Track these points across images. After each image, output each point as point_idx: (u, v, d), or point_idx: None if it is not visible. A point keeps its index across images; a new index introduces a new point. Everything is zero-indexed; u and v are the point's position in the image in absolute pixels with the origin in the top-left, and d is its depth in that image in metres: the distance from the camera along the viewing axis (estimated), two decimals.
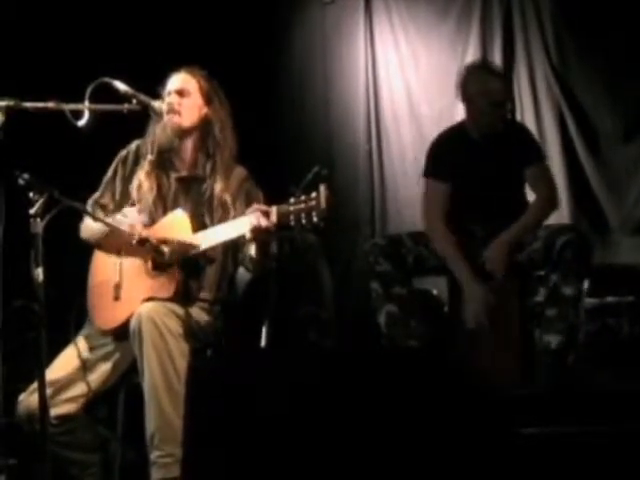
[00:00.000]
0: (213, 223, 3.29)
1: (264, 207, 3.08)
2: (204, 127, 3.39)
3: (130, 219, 3.24)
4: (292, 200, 3.04)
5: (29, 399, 3.09)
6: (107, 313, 3.26)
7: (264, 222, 3.04)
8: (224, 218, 3.30)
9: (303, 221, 3.00)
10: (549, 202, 3.97)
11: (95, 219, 3.30)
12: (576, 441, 2.94)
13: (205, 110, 3.38)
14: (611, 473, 2.82)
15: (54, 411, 3.10)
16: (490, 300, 3.75)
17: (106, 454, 3.33)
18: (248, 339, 3.50)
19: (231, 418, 2.51)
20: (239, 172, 3.42)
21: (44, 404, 2.78)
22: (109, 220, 3.26)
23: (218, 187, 3.34)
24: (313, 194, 3.01)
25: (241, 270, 3.45)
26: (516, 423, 2.92)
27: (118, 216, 3.27)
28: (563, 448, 2.92)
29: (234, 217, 3.29)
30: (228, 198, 3.33)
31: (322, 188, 3.00)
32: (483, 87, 3.87)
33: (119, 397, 3.28)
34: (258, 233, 3.07)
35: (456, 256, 3.84)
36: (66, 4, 4.96)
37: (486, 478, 2.46)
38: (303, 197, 3.02)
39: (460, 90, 3.95)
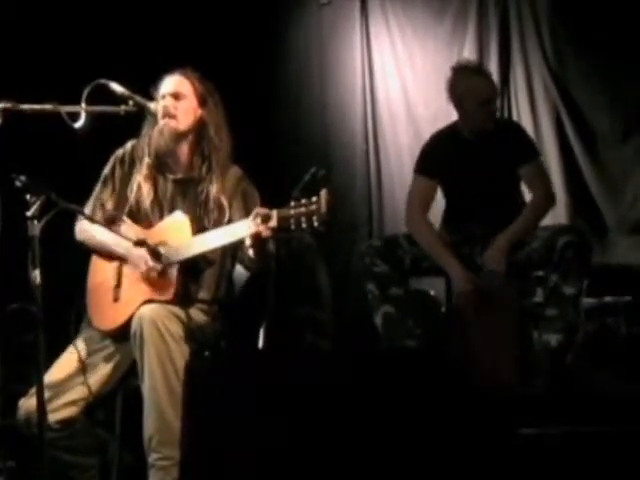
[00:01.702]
0: (210, 224, 3.29)
1: (265, 211, 3.06)
2: (199, 129, 3.37)
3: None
4: (293, 204, 3.02)
5: (28, 403, 3.07)
6: (106, 314, 3.26)
7: (264, 226, 3.03)
8: (220, 219, 3.30)
9: (303, 225, 2.98)
10: (546, 200, 3.97)
11: (92, 221, 3.29)
12: (575, 441, 2.94)
13: (200, 112, 3.37)
14: (610, 473, 2.82)
15: (55, 416, 3.09)
16: (476, 284, 3.76)
17: (104, 457, 3.32)
18: (246, 340, 3.50)
19: (229, 419, 2.51)
20: (234, 172, 3.41)
21: (42, 407, 2.77)
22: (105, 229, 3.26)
23: (214, 188, 3.33)
24: (314, 198, 2.98)
25: (238, 269, 3.45)
26: (514, 423, 2.92)
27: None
28: (562, 448, 2.92)
29: (231, 217, 3.29)
30: (224, 199, 3.32)
31: (323, 192, 2.98)
32: (470, 87, 3.89)
33: (117, 400, 3.27)
34: (258, 237, 3.06)
35: (438, 244, 3.87)
36: (63, 6, 4.96)
37: (484, 478, 2.46)
38: (304, 201, 3.00)
39: (449, 92, 3.96)
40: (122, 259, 3.28)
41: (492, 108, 3.98)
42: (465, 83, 3.91)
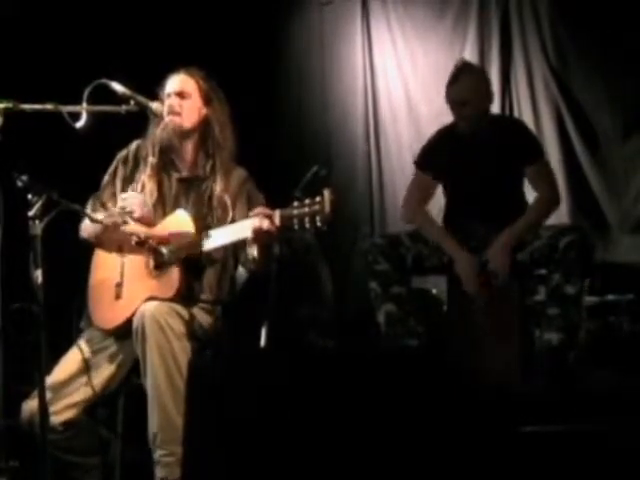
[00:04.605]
0: (213, 223, 3.29)
1: (267, 211, 3.06)
2: (204, 127, 3.39)
3: (130, 202, 3.24)
4: (296, 204, 3.01)
5: (32, 404, 3.06)
6: (107, 312, 3.26)
7: (267, 226, 3.03)
8: (223, 218, 3.30)
9: (307, 225, 2.97)
10: (550, 200, 3.97)
11: (93, 220, 3.28)
12: (576, 439, 2.94)
13: (205, 111, 3.39)
14: (611, 471, 2.82)
15: (58, 418, 3.10)
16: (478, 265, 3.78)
17: (107, 456, 3.32)
18: (248, 339, 3.50)
19: (231, 418, 2.52)
20: (240, 173, 3.42)
21: (44, 407, 2.77)
22: (107, 220, 3.25)
23: (218, 187, 3.34)
24: (317, 198, 2.97)
25: (240, 270, 3.45)
26: (516, 421, 2.92)
27: (119, 204, 3.26)
28: (563, 446, 2.92)
29: (234, 218, 3.30)
30: (228, 198, 3.33)
31: (327, 192, 2.96)
32: (448, 87, 3.93)
33: (119, 398, 3.28)
34: (261, 237, 3.06)
35: (440, 230, 3.92)
36: (64, 6, 4.96)
37: (486, 476, 2.46)
38: (307, 201, 2.99)
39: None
40: (122, 250, 3.27)
41: (467, 110, 3.94)
42: (447, 83, 3.94)
